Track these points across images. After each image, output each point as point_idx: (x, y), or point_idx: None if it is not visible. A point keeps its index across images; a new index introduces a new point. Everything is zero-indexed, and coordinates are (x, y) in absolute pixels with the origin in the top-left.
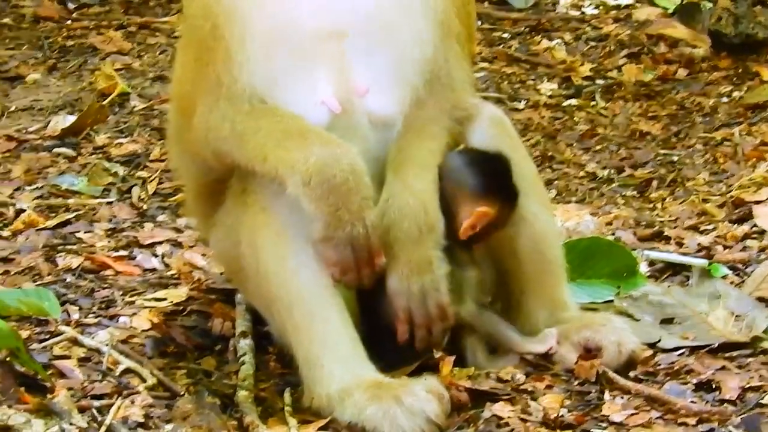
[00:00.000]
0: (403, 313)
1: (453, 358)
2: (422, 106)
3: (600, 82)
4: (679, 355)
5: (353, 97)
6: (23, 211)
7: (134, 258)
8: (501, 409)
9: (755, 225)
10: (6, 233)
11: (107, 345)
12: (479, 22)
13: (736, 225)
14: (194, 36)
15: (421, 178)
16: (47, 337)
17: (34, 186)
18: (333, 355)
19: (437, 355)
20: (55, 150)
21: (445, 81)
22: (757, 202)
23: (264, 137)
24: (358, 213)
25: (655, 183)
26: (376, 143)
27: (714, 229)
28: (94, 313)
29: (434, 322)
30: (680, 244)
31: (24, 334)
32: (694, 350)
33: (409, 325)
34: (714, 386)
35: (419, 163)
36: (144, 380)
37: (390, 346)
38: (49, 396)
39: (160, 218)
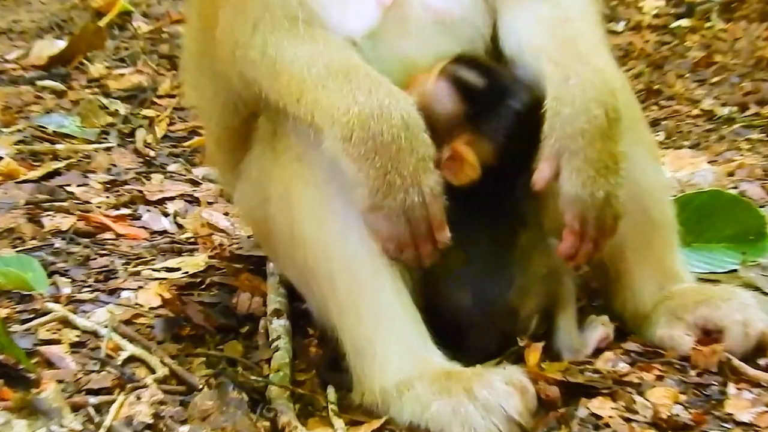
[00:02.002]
0: (578, 222)
1: (541, 344)
2: None
3: None
4: None
5: None
6: (0, 159)
7: (139, 218)
8: (600, 405)
9: None
10: None
11: (106, 326)
12: None
13: None
14: None
15: (599, 54)
16: (31, 316)
17: (14, 128)
18: (388, 339)
19: (522, 343)
20: (40, 83)
21: None
22: None
23: (301, 70)
24: (412, 177)
25: None
26: (435, 43)
27: None
28: (89, 286)
29: (605, 236)
30: None
31: (3, 312)
32: None
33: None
34: None
35: (590, 37)
36: (153, 371)
37: (457, 342)
38: (34, 390)
39: (172, 168)
